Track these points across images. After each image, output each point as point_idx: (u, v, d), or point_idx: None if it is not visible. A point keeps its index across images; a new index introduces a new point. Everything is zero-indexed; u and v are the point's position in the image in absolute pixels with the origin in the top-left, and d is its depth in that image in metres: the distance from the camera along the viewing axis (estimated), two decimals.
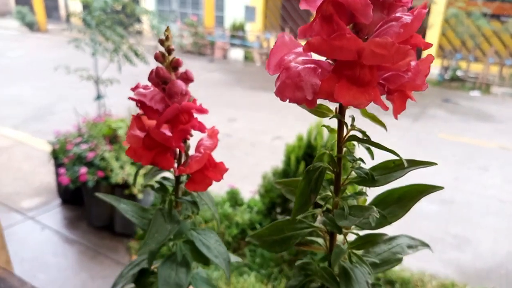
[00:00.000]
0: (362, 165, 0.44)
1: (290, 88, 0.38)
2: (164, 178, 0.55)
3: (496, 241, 3.81)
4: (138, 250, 0.47)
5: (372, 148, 0.45)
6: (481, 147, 6.12)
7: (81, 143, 3.63)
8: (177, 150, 0.54)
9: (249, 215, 3.61)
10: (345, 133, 0.42)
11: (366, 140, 0.41)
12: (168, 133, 0.49)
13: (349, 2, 0.36)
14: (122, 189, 3.32)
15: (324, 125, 0.46)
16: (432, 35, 11.35)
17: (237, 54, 12.00)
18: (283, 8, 13.34)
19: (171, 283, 0.47)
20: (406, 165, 0.41)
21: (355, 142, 0.43)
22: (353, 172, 0.44)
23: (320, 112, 0.45)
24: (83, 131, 3.79)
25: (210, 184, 0.54)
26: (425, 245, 0.53)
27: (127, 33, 3.66)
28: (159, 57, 0.53)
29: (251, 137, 6.03)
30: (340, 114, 0.43)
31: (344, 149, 0.44)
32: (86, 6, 3.61)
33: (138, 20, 3.63)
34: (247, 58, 11.86)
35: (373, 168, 0.45)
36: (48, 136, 4.04)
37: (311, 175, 0.41)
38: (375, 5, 0.38)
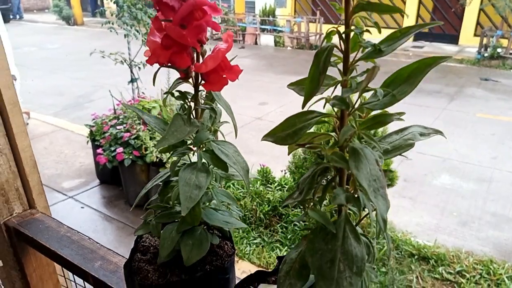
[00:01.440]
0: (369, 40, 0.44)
1: None
2: (185, 92, 0.58)
3: None
4: (157, 143, 0.50)
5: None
6: None
7: (117, 125, 3.75)
8: (194, 54, 0.56)
9: (280, 193, 3.63)
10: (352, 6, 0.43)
11: (371, 5, 0.41)
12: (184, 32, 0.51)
13: None
14: (157, 167, 3.42)
15: (331, 3, 0.46)
16: (471, 13, 10.89)
17: (268, 39, 11.97)
18: None
19: (191, 184, 0.50)
20: (403, 12, 0.40)
21: (361, 22, 0.43)
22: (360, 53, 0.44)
23: None
24: (118, 113, 3.91)
25: (226, 83, 0.56)
26: (438, 132, 0.53)
27: None
28: None
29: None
30: None
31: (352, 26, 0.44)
32: None
33: None
34: (278, 43, 11.80)
35: (380, 42, 0.45)
36: (87, 122, 4.19)
37: (320, 57, 0.42)
38: None
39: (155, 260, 0.61)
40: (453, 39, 11.45)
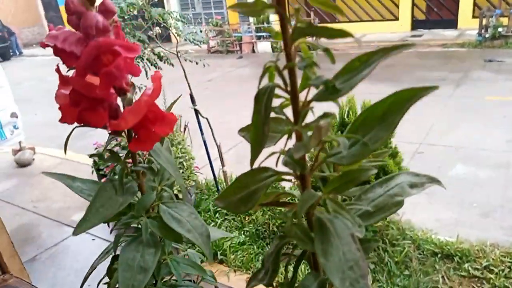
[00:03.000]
0: (319, 73, 0.34)
1: None
2: (124, 147, 0.49)
3: None
4: (75, 229, 0.41)
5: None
6: None
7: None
8: (119, 105, 0.47)
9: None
10: (291, 31, 0.33)
11: (312, 29, 0.31)
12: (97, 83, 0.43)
13: None
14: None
15: (265, 29, 0.37)
16: None
17: (265, 46, 11.91)
18: None
19: (134, 267, 0.41)
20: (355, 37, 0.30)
21: (311, 49, 0.34)
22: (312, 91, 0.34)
23: (254, 10, 0.35)
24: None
25: (157, 140, 0.47)
26: (434, 180, 0.42)
27: (148, 37, 3.66)
28: None
29: None
30: (278, 5, 0.32)
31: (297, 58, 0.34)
32: None
33: (158, 24, 3.63)
34: (276, 48, 11.72)
35: (335, 76, 0.35)
36: (91, 151, 4.14)
37: (260, 101, 0.32)
38: None
39: None
40: (452, 23, 11.27)
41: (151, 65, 3.93)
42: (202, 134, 3.61)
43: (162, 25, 3.70)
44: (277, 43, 11.65)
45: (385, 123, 0.33)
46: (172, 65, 3.71)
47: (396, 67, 7.92)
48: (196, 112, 3.52)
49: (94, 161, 3.86)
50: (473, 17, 10.68)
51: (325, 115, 0.32)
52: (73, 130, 0.50)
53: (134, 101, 0.46)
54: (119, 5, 3.19)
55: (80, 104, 0.43)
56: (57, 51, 0.42)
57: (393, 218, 3.30)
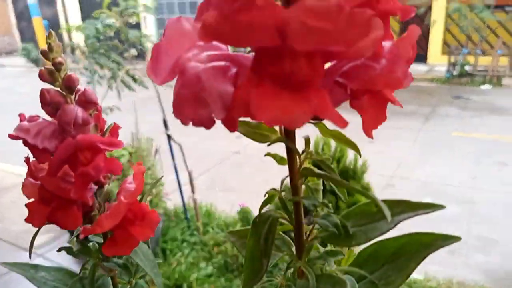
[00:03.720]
0: (329, 210, 0.31)
1: (189, 103, 0.25)
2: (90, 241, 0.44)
3: None
4: None
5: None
6: (497, 142, 5.90)
7: None
8: (93, 200, 0.43)
9: None
10: (299, 164, 0.30)
11: (325, 175, 0.28)
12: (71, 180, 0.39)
13: None
14: None
15: (268, 154, 0.34)
16: (436, 32, 11.19)
17: None
18: None
19: None
20: (388, 214, 0.26)
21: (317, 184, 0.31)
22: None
23: (259, 134, 0.33)
24: None
25: (136, 245, 0.41)
26: None
27: (123, 59, 3.60)
28: (44, 76, 0.40)
29: (261, 153, 5.88)
30: (287, 137, 0.29)
31: (303, 186, 0.31)
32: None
33: (134, 46, 3.57)
34: None
35: (347, 215, 0.31)
36: None
37: (260, 230, 0.29)
38: None
39: None
40: (422, 58, 11.71)
41: (125, 86, 3.85)
42: (173, 160, 3.54)
43: (138, 47, 3.66)
44: None
45: (396, 263, 0.31)
46: (146, 87, 3.66)
47: None
48: (169, 137, 3.45)
49: None
50: (442, 53, 11.14)
51: (333, 252, 0.29)
52: (38, 230, 0.45)
53: (107, 190, 0.42)
54: (95, 25, 3.13)
55: (51, 203, 0.38)
56: (28, 145, 0.38)
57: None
